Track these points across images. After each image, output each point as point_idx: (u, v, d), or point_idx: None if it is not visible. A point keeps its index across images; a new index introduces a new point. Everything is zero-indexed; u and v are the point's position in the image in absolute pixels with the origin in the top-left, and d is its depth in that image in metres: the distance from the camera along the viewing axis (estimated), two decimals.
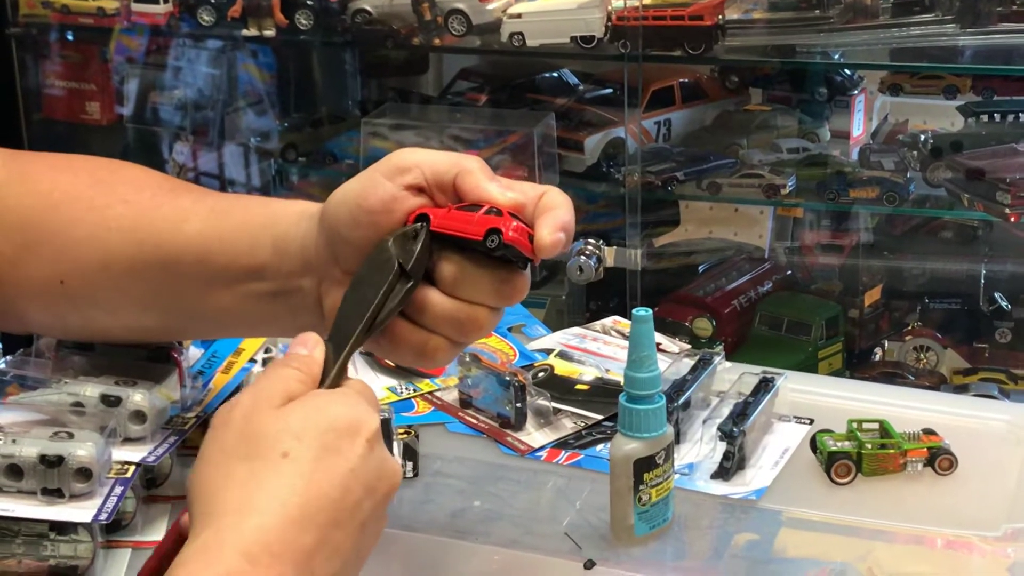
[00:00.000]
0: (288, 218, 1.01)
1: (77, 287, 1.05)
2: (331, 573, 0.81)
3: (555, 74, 2.72)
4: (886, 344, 2.59)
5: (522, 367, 1.29)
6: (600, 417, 1.23)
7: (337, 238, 0.96)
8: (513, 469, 1.16)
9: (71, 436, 1.00)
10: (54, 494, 0.99)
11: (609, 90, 2.62)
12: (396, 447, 1.12)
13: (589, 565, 1.02)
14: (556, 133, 2.51)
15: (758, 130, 2.60)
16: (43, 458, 0.99)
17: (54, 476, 0.99)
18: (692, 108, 2.66)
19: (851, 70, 2.61)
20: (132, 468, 1.03)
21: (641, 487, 1.02)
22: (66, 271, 1.05)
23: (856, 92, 2.60)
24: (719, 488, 1.12)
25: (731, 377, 1.23)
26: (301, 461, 0.82)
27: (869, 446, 1.13)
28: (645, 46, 2.35)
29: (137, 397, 1.06)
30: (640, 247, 2.46)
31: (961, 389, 2.37)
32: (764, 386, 1.19)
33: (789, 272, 2.63)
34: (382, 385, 1.28)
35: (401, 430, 1.16)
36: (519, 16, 2.43)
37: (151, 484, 1.09)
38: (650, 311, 1.00)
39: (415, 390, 1.29)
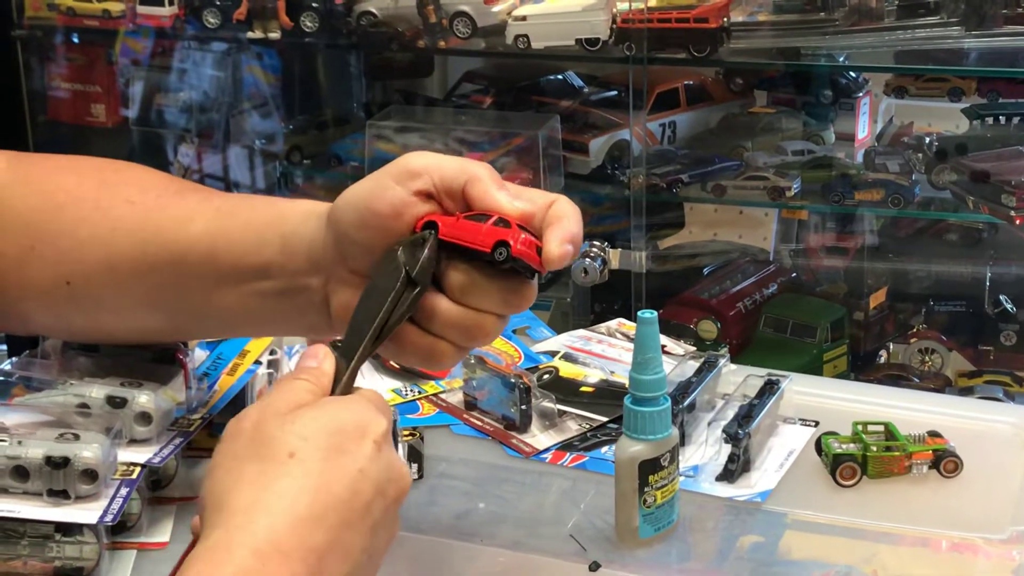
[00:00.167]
0: (295, 217, 1.01)
1: (82, 288, 1.05)
2: (343, 574, 0.81)
3: (560, 76, 2.72)
4: (891, 346, 2.58)
5: (527, 369, 1.30)
6: (605, 419, 1.23)
7: (345, 238, 0.96)
8: (518, 471, 1.16)
9: (77, 437, 1.01)
10: (60, 495, 0.99)
11: (614, 92, 2.62)
12: (401, 449, 1.12)
13: (594, 567, 1.02)
14: (561, 135, 2.51)
15: (763, 132, 2.60)
16: (49, 459, 0.99)
17: (60, 477, 0.99)
18: (697, 110, 2.66)
19: (856, 72, 2.61)
20: (137, 469, 1.04)
21: (646, 489, 1.02)
22: (71, 272, 1.05)
23: (861, 94, 2.60)
24: (724, 490, 1.12)
25: (736, 379, 1.23)
26: (309, 461, 0.82)
27: (874, 448, 1.13)
28: (650, 48, 2.35)
29: (143, 399, 1.06)
30: (645, 249, 2.46)
31: (966, 391, 2.36)
32: (769, 388, 1.19)
33: (794, 274, 2.63)
34: (387, 387, 1.28)
35: (406, 432, 1.16)
36: (524, 18, 2.43)
37: (156, 485, 1.10)
38: (655, 313, 1.00)
39: (420, 392, 1.29)
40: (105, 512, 0.99)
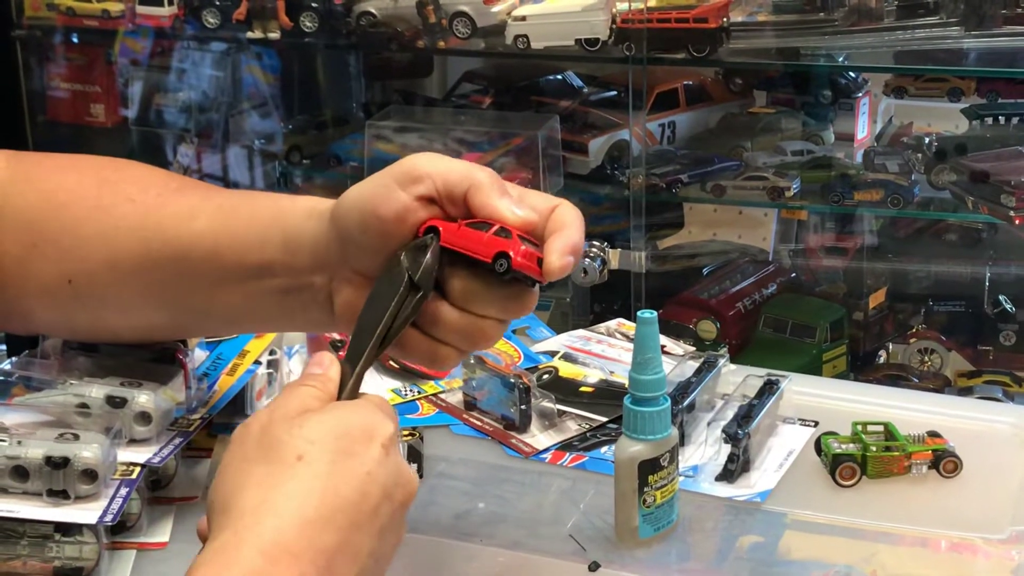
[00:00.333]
0: (297, 214, 1.01)
1: (85, 286, 1.05)
2: None
3: (559, 76, 2.72)
4: (890, 346, 2.59)
5: (527, 369, 1.30)
6: (605, 419, 1.23)
7: (347, 239, 0.96)
8: (517, 471, 1.16)
9: (76, 437, 1.01)
10: (59, 495, 0.99)
11: (613, 92, 2.62)
12: (400, 449, 1.12)
13: (594, 567, 1.02)
14: (560, 135, 2.51)
15: (762, 132, 2.60)
16: (48, 459, 0.99)
17: (59, 477, 0.99)
18: (696, 110, 2.66)
19: (855, 73, 2.61)
20: (137, 469, 1.04)
21: (646, 489, 1.02)
22: (73, 270, 1.05)
23: (860, 95, 2.60)
24: (724, 490, 1.12)
25: (736, 379, 1.23)
26: (317, 463, 0.83)
27: (874, 448, 1.13)
28: (650, 48, 2.35)
29: (142, 398, 1.06)
30: (644, 249, 2.46)
31: (965, 391, 2.37)
32: (768, 388, 1.19)
33: (793, 275, 2.63)
34: (387, 387, 1.28)
35: (405, 432, 1.16)
36: (524, 19, 2.43)
37: (156, 485, 1.10)
38: (655, 313, 1.00)
39: (419, 392, 1.29)
40: (105, 512, 0.99)
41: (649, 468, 1.02)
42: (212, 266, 1.02)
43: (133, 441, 1.06)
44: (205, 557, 0.80)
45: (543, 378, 1.29)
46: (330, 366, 0.91)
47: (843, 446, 1.14)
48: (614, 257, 2.38)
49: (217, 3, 2.60)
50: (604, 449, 1.18)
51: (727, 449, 1.13)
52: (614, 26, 2.37)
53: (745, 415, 1.14)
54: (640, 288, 2.46)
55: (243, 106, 2.84)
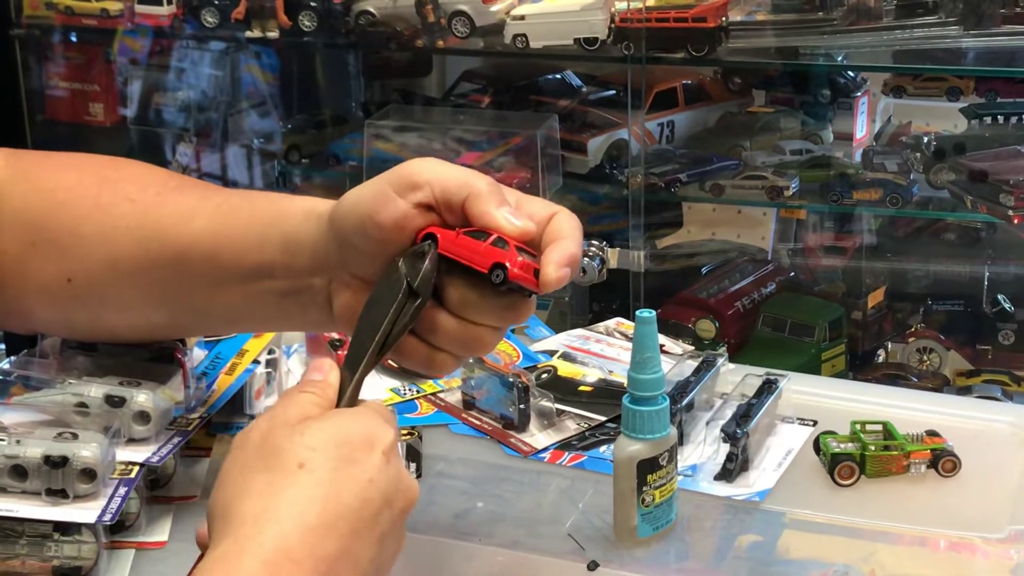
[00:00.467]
0: (296, 216, 1.01)
1: (84, 285, 1.05)
2: None
3: (558, 76, 2.72)
4: (889, 346, 2.59)
5: (525, 368, 1.30)
6: (603, 419, 1.23)
7: (346, 244, 0.96)
8: (516, 470, 1.17)
9: (75, 437, 1.01)
10: (58, 495, 0.99)
11: (612, 92, 2.62)
12: (400, 449, 1.12)
13: (592, 566, 1.02)
14: (559, 135, 2.51)
15: (761, 132, 2.60)
16: (47, 459, 0.99)
17: (58, 477, 0.99)
18: (695, 110, 2.66)
19: (854, 72, 2.61)
20: (136, 469, 1.04)
21: (644, 488, 1.02)
22: (73, 269, 1.05)
23: (859, 94, 2.60)
24: (722, 490, 1.12)
25: (734, 379, 1.23)
26: (318, 471, 0.82)
27: (872, 448, 1.13)
28: (648, 48, 2.35)
29: (141, 398, 1.06)
30: (643, 249, 2.46)
31: (964, 391, 2.37)
32: (767, 388, 1.19)
33: (792, 274, 2.63)
34: (385, 387, 1.28)
35: (404, 431, 1.16)
36: (522, 18, 2.43)
37: (155, 485, 1.09)
38: (653, 313, 1.00)
39: (418, 391, 1.29)
40: (103, 511, 0.99)
41: (648, 467, 1.02)
42: (211, 266, 1.02)
43: (132, 440, 1.06)
44: (206, 566, 0.79)
45: (542, 377, 1.29)
46: (329, 372, 0.91)
47: (842, 445, 1.14)
48: (613, 256, 2.38)
49: (216, 2, 2.60)
50: (603, 448, 1.18)
51: (726, 448, 1.13)
52: (613, 25, 2.37)
53: (744, 414, 1.14)
54: (639, 287, 2.46)
55: (242, 105, 2.84)
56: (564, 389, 1.27)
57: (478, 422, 1.24)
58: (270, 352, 1.23)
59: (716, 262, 2.66)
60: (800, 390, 1.24)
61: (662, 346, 1.17)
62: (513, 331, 1.39)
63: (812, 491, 1.12)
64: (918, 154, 2.43)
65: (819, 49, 2.37)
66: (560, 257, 0.91)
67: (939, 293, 2.59)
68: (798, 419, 1.22)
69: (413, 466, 1.14)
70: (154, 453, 1.06)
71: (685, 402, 1.17)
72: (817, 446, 1.16)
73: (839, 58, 2.42)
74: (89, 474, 0.99)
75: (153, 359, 1.12)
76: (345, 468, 0.83)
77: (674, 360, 1.26)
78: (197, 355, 1.20)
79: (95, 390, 1.07)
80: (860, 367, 2.53)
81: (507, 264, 0.90)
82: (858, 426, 1.16)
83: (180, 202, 1.05)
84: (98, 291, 1.05)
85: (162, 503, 1.09)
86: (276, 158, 2.79)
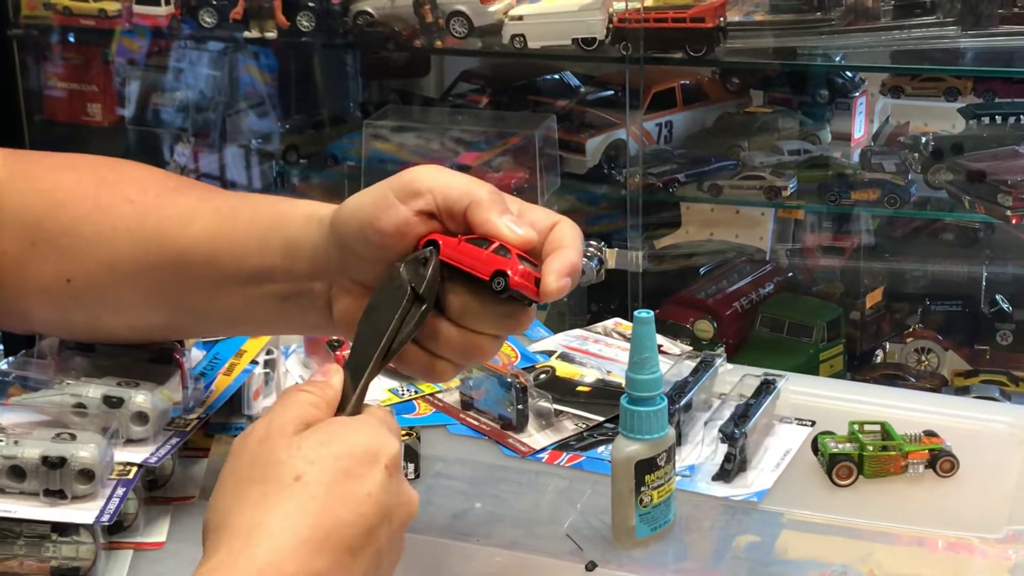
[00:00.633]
0: (296, 220, 1.00)
1: (83, 286, 1.05)
2: None
3: (556, 76, 2.71)
4: (887, 346, 2.59)
5: (523, 369, 1.30)
6: (601, 419, 1.23)
7: (346, 249, 0.96)
8: (514, 471, 1.17)
9: (73, 437, 1.01)
10: (56, 495, 0.99)
11: (610, 92, 2.62)
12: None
13: (591, 567, 1.02)
14: (557, 135, 2.51)
15: (759, 132, 2.60)
16: (45, 459, 0.99)
17: (56, 477, 0.99)
18: (693, 110, 2.66)
19: (852, 72, 2.61)
20: (134, 469, 1.04)
21: (643, 489, 1.02)
22: (72, 270, 1.05)
23: (857, 94, 2.60)
24: (720, 490, 1.12)
25: (732, 379, 1.23)
26: (314, 484, 0.82)
27: (870, 448, 1.13)
28: (646, 48, 2.35)
29: (139, 398, 1.06)
30: (641, 249, 2.46)
31: (962, 391, 2.37)
32: (765, 388, 1.19)
33: (790, 274, 2.63)
34: (384, 387, 1.28)
35: (403, 432, 1.16)
36: (520, 18, 2.43)
37: (153, 485, 1.09)
38: (651, 313, 1.00)
39: (416, 392, 1.29)
40: (102, 512, 0.99)
41: (646, 468, 1.02)
42: (210, 269, 1.02)
43: (130, 441, 1.06)
44: (202, 574, 0.79)
45: (540, 378, 1.29)
46: (333, 374, 0.91)
47: (840, 446, 1.14)
48: (611, 257, 2.38)
49: (214, 2, 2.60)
50: (601, 449, 1.18)
51: (724, 449, 1.13)
52: (611, 26, 2.37)
53: (742, 415, 1.15)
54: (637, 288, 2.46)
55: (240, 105, 2.84)
56: (562, 389, 1.27)
57: (476, 422, 1.24)
58: (268, 353, 1.23)
59: (714, 262, 2.66)
60: (798, 390, 1.24)
61: (660, 346, 1.17)
62: None
63: (810, 491, 1.12)
64: (916, 154, 2.43)
65: (817, 49, 2.37)
66: (561, 267, 0.91)
67: (937, 293, 2.59)
68: (796, 419, 1.22)
69: (411, 466, 1.14)
70: (152, 454, 1.06)
71: (683, 402, 1.17)
72: (815, 446, 1.16)
73: (837, 58, 2.43)
74: (87, 475, 0.99)
75: (151, 360, 1.12)
76: (343, 482, 0.83)
77: (672, 360, 1.26)
78: (195, 356, 1.20)
79: (93, 391, 1.07)
80: (858, 367, 2.53)
81: (508, 272, 0.90)
82: (856, 426, 1.16)
83: (180, 204, 1.05)
84: (97, 292, 1.05)
85: (160, 504, 1.09)
86: (274, 158, 2.79)
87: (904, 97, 2.60)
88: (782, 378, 1.21)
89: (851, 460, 1.13)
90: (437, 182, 0.94)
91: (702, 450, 1.16)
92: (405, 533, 0.88)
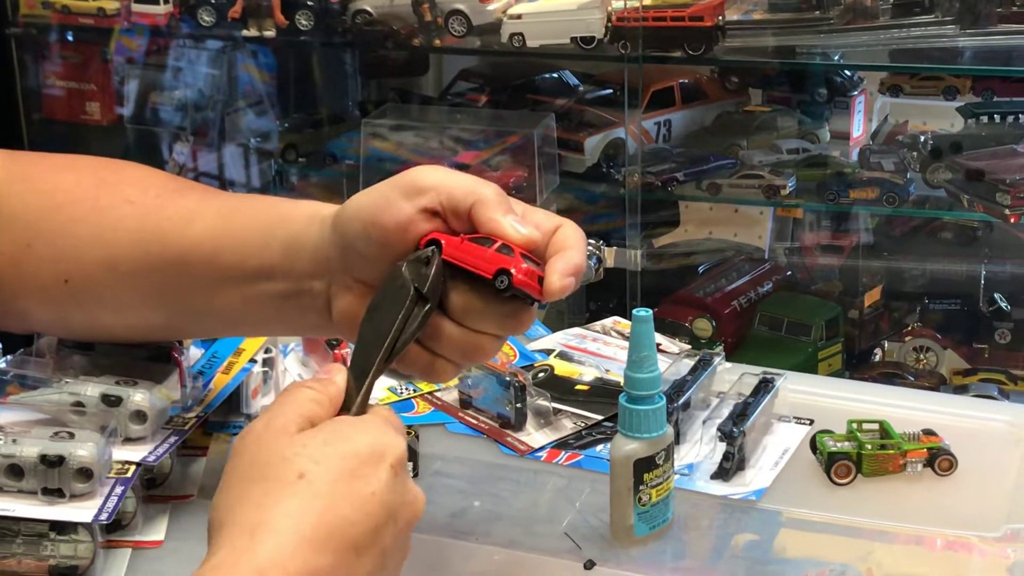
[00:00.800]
0: (298, 220, 1.01)
1: (81, 286, 1.05)
2: None
3: (555, 75, 2.71)
4: (886, 345, 2.59)
5: (522, 367, 1.30)
6: (600, 417, 1.23)
7: (349, 247, 0.96)
8: (513, 469, 1.17)
9: (72, 436, 1.01)
10: (54, 494, 0.99)
11: (609, 91, 2.62)
12: None
13: (589, 565, 1.02)
14: (556, 134, 2.51)
15: (758, 131, 2.60)
16: (44, 458, 0.99)
17: (55, 476, 0.99)
18: (692, 109, 2.66)
19: (851, 71, 2.61)
20: (132, 468, 1.03)
21: (641, 487, 1.02)
22: (70, 270, 1.05)
23: (856, 93, 2.60)
24: (719, 489, 1.12)
25: (731, 378, 1.23)
26: (318, 483, 0.82)
27: (869, 447, 1.13)
28: (645, 47, 2.35)
29: (138, 397, 1.06)
30: (640, 248, 2.46)
31: (961, 390, 2.37)
32: (764, 387, 1.19)
33: (789, 273, 2.63)
34: (383, 386, 1.28)
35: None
36: (519, 17, 2.43)
37: (151, 484, 1.09)
38: (650, 311, 1.00)
39: (415, 390, 1.29)
40: (100, 511, 0.99)
41: (644, 466, 1.02)
42: (211, 269, 1.02)
43: (128, 439, 1.06)
44: (204, 572, 0.79)
45: (539, 376, 1.29)
46: (336, 372, 0.91)
47: (838, 444, 1.14)
48: (610, 255, 2.38)
49: (212, 1, 2.60)
50: (599, 447, 1.18)
51: (722, 447, 1.13)
52: (610, 24, 2.37)
53: (740, 413, 1.15)
54: (636, 286, 2.46)
55: (239, 104, 2.84)
56: (561, 388, 1.27)
57: (475, 421, 1.24)
58: (267, 351, 1.23)
59: (713, 261, 2.66)
60: (797, 389, 1.24)
61: (659, 345, 1.17)
62: None
63: (809, 490, 1.12)
64: (915, 153, 2.43)
65: (816, 48, 2.37)
66: (565, 267, 0.91)
67: (936, 292, 2.59)
68: (795, 418, 1.22)
69: (410, 465, 1.14)
70: (151, 452, 1.06)
71: (682, 401, 1.17)
72: (814, 445, 1.16)
73: (836, 57, 2.42)
74: (85, 473, 0.99)
75: (150, 358, 1.12)
76: (348, 481, 0.83)
77: (671, 359, 1.26)
78: (194, 354, 1.20)
79: (91, 389, 1.07)
80: (857, 366, 2.54)
81: (512, 270, 0.90)
82: (855, 425, 1.16)
83: (181, 204, 1.05)
84: (95, 292, 1.05)
85: (158, 502, 1.09)
86: (273, 157, 2.79)
87: (903, 96, 2.59)
88: (780, 377, 1.21)
89: (850, 459, 1.13)
90: (441, 180, 0.95)
91: (700, 449, 1.17)
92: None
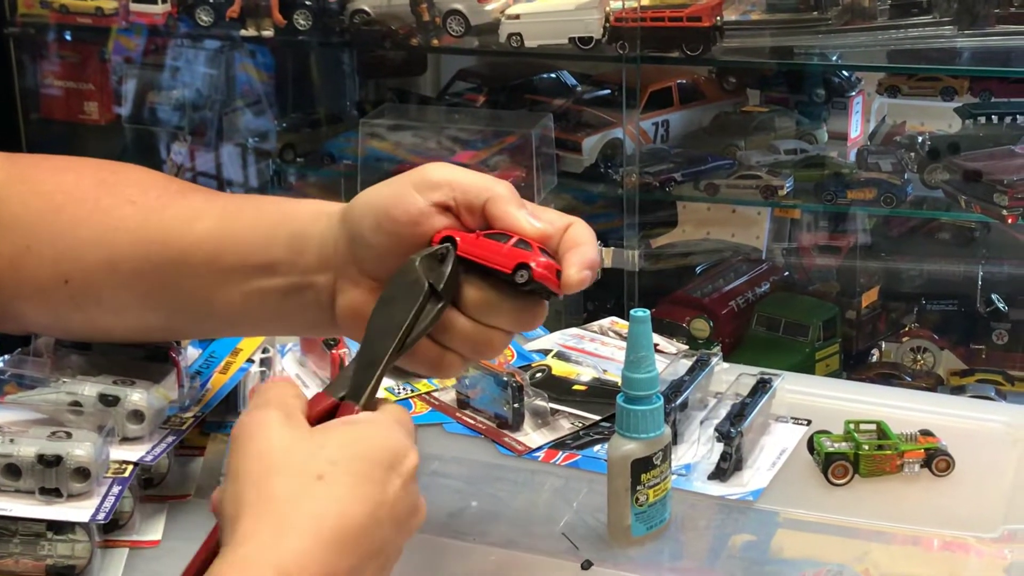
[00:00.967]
0: (303, 216, 1.01)
1: (82, 287, 1.05)
2: None
3: (553, 75, 2.72)
4: (883, 345, 2.59)
5: (520, 367, 1.30)
6: (598, 418, 1.23)
7: (359, 240, 0.97)
8: (510, 469, 1.17)
9: (69, 436, 1.00)
10: (52, 493, 0.99)
11: (607, 91, 2.62)
12: None
13: (586, 565, 1.02)
14: (554, 134, 2.51)
15: (756, 131, 2.61)
16: (41, 457, 0.98)
17: (52, 476, 0.99)
18: (690, 109, 2.66)
19: (849, 72, 2.61)
20: (130, 468, 1.03)
21: (638, 488, 1.02)
22: (70, 271, 1.05)
23: (854, 93, 2.61)
24: (716, 489, 1.12)
25: (728, 378, 1.23)
26: (336, 486, 0.83)
27: (866, 447, 1.13)
28: (643, 47, 2.35)
29: (135, 397, 1.06)
30: (638, 248, 2.46)
31: (958, 390, 2.37)
32: (761, 387, 1.19)
33: (786, 273, 2.63)
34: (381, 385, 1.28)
35: None
36: (517, 17, 2.43)
37: (148, 484, 1.09)
38: (648, 312, 1.00)
39: (413, 390, 1.29)
40: (97, 510, 0.99)
41: (642, 467, 1.02)
42: (213, 267, 1.02)
43: (126, 439, 1.06)
44: (221, 569, 0.79)
45: (536, 376, 1.29)
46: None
47: (836, 445, 1.14)
48: (607, 255, 2.38)
49: (210, 1, 2.60)
50: (597, 448, 1.18)
51: (720, 448, 1.13)
52: (607, 25, 2.37)
53: (738, 414, 1.15)
54: (633, 286, 2.46)
55: (237, 104, 2.84)
56: (558, 388, 1.27)
57: (472, 421, 1.24)
58: (264, 351, 1.23)
59: (710, 261, 2.66)
60: (794, 389, 1.24)
61: (656, 345, 1.17)
62: None
63: (806, 490, 1.12)
64: (912, 154, 2.44)
65: (814, 49, 2.37)
66: (582, 260, 0.93)
67: (933, 293, 2.59)
68: (792, 418, 1.22)
69: None
70: (148, 452, 1.06)
71: (679, 401, 1.17)
72: (811, 445, 1.16)
73: (834, 58, 2.43)
74: (83, 473, 0.99)
75: (147, 358, 1.12)
76: (362, 485, 0.83)
77: (668, 359, 1.26)
78: (191, 354, 1.20)
79: (89, 389, 1.07)
80: (854, 367, 2.54)
81: (532, 264, 0.92)
82: (852, 425, 1.16)
83: (183, 205, 1.05)
84: (96, 293, 1.05)
85: (156, 502, 1.09)
86: (271, 157, 2.79)
87: (901, 97, 2.60)
88: (778, 377, 1.21)
89: (847, 459, 1.13)
90: (454, 176, 0.96)
91: (698, 449, 1.17)
92: None
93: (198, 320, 1.07)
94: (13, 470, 0.99)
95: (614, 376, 1.29)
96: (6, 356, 1.15)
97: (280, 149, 2.78)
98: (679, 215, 2.65)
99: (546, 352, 1.36)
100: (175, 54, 2.79)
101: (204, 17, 2.62)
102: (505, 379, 1.21)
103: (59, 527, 0.98)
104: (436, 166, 0.97)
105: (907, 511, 1.09)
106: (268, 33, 2.59)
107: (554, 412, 1.23)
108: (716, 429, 1.13)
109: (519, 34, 2.42)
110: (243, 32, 2.61)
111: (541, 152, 2.47)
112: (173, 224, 1.04)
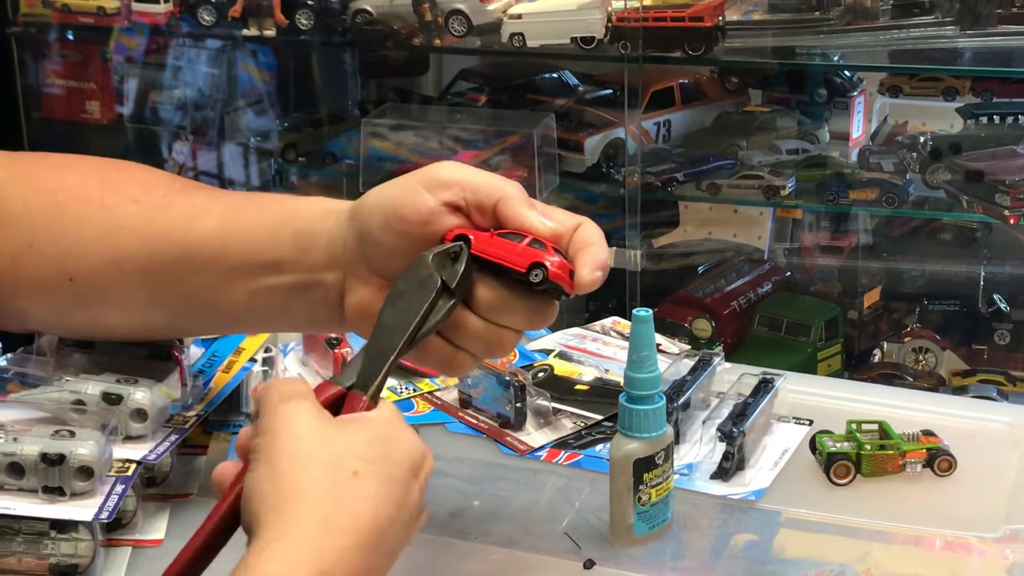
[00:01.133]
0: (309, 214, 1.01)
1: (86, 285, 1.05)
2: None
3: (555, 75, 2.71)
4: (885, 345, 2.59)
5: (522, 367, 1.30)
6: (600, 417, 1.23)
7: (368, 238, 0.97)
8: (512, 469, 1.17)
9: (72, 434, 1.01)
10: (55, 492, 0.99)
11: (609, 91, 2.62)
12: None
13: (588, 565, 1.02)
14: (556, 134, 2.51)
15: (758, 131, 2.60)
16: (44, 456, 0.99)
17: (55, 474, 0.99)
18: (692, 109, 2.66)
19: (851, 72, 2.61)
20: (133, 466, 1.04)
21: (641, 487, 1.02)
22: (75, 269, 1.05)
23: (856, 94, 2.60)
24: (718, 488, 1.12)
25: (731, 378, 1.24)
26: (369, 484, 0.84)
27: (868, 447, 1.13)
28: (645, 47, 2.35)
29: (138, 395, 1.06)
30: (640, 248, 2.46)
31: (960, 391, 2.37)
32: (763, 387, 1.19)
33: (788, 273, 2.63)
34: None
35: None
36: (519, 17, 2.43)
37: (151, 482, 1.09)
38: (650, 311, 1.00)
39: (415, 390, 1.29)
40: (100, 509, 0.99)
41: (644, 466, 1.02)
42: (217, 265, 1.02)
43: (129, 438, 1.06)
44: (262, 560, 0.79)
45: (538, 376, 1.29)
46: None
47: (838, 445, 1.14)
48: (609, 255, 2.38)
49: (212, 0, 2.60)
50: (599, 447, 1.18)
51: (722, 447, 1.13)
52: (610, 24, 2.37)
53: (740, 413, 1.15)
54: (635, 286, 2.46)
55: (238, 103, 2.84)
56: (560, 388, 1.27)
57: (474, 420, 1.24)
58: (267, 350, 1.23)
59: (712, 261, 2.66)
60: (796, 389, 1.24)
61: (658, 345, 1.17)
62: None
63: (808, 490, 1.12)
64: (914, 154, 2.43)
65: (816, 49, 2.37)
66: (594, 261, 0.94)
67: (935, 293, 2.59)
68: (794, 418, 1.22)
69: None
70: (151, 451, 1.06)
71: (681, 401, 1.17)
72: (813, 445, 1.16)
73: (835, 58, 2.43)
74: (86, 472, 0.99)
75: (150, 357, 1.12)
76: (390, 486, 0.85)
77: (670, 359, 1.26)
78: (194, 353, 1.20)
79: (92, 388, 1.07)
80: (856, 367, 2.54)
81: (547, 263, 0.92)
82: (854, 425, 1.16)
83: (187, 203, 1.05)
84: (100, 291, 1.05)
85: (159, 501, 1.09)
86: (272, 156, 2.79)
87: (902, 97, 2.60)
88: (780, 377, 1.21)
89: (849, 459, 1.13)
90: (465, 176, 0.96)
91: (700, 449, 1.17)
92: None
93: (203, 317, 1.07)
94: (16, 469, 0.99)
95: (616, 376, 1.29)
96: (9, 355, 1.15)
97: (282, 149, 2.78)
98: (681, 215, 2.65)
99: (548, 352, 1.36)
100: (177, 53, 2.79)
101: (206, 17, 2.62)
102: (507, 379, 1.21)
103: (62, 526, 0.99)
104: (446, 165, 0.97)
105: (909, 511, 1.09)
106: (270, 33, 2.59)
107: (556, 412, 1.23)
108: (718, 429, 1.13)
109: (521, 34, 2.42)
110: (245, 32, 2.61)
111: (543, 152, 2.47)
112: (177, 222, 1.04)
